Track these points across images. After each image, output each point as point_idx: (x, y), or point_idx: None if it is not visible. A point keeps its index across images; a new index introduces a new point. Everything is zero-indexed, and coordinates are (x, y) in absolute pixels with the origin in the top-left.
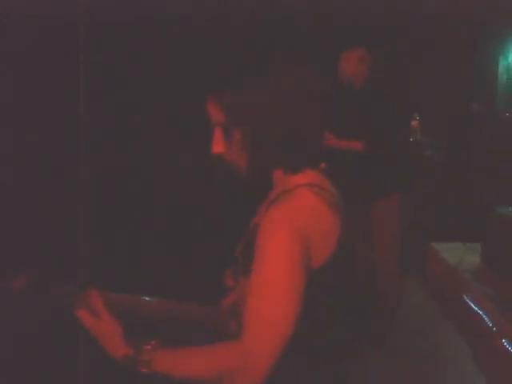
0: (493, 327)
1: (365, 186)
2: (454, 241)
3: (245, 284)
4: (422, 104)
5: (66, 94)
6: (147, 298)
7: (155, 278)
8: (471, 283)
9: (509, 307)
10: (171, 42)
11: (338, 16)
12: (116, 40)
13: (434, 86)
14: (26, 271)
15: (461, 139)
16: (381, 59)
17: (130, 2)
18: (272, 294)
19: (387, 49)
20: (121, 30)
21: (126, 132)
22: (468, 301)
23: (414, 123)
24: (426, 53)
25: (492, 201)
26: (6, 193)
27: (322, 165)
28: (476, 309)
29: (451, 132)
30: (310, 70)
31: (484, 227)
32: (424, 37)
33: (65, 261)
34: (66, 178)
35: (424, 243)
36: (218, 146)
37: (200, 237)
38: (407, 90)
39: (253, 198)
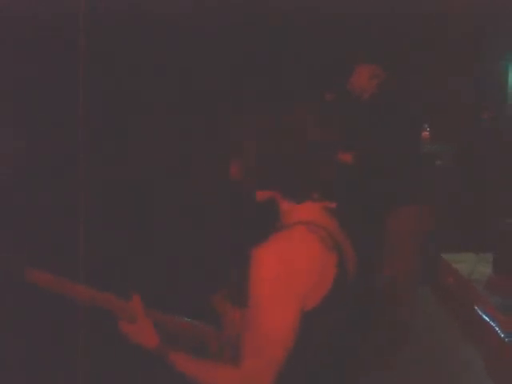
0: (505, 338)
1: (376, 198)
2: (465, 251)
3: (238, 315)
4: (432, 113)
5: (65, 94)
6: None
7: (153, 278)
8: (483, 294)
9: None
10: (171, 42)
11: (344, 21)
12: (116, 40)
13: (444, 95)
14: None
15: (472, 148)
16: (393, 73)
17: (130, 1)
18: (266, 330)
19: (399, 60)
20: (121, 30)
21: (126, 132)
22: (480, 311)
23: (425, 134)
24: (435, 60)
25: (504, 210)
26: (5, 193)
27: (332, 204)
28: (487, 319)
29: (462, 141)
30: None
31: (496, 237)
32: (432, 43)
33: (64, 261)
34: (65, 178)
35: (435, 254)
36: (232, 174)
37: (201, 240)
38: (419, 101)
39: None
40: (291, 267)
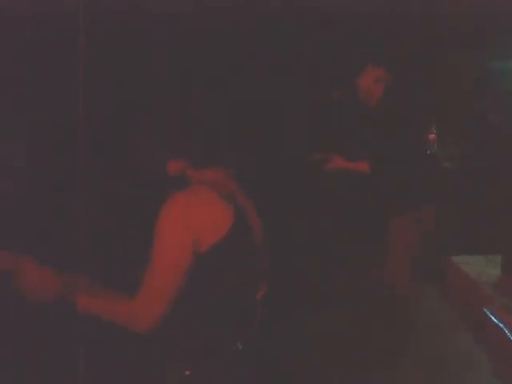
0: None
1: (382, 201)
2: (474, 253)
3: None
4: (438, 116)
5: (66, 93)
6: None
7: None
8: (492, 295)
9: None
10: (171, 40)
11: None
12: (116, 40)
13: (451, 97)
14: None
15: (479, 150)
16: (398, 77)
17: (130, 1)
18: (160, 266)
19: (404, 62)
20: (121, 30)
21: (125, 132)
22: (488, 313)
23: (431, 136)
24: (440, 62)
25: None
26: (5, 193)
27: (232, 172)
28: (496, 321)
29: (469, 143)
30: None
31: (505, 239)
32: (438, 45)
33: (64, 261)
34: (66, 178)
35: (444, 256)
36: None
37: None
38: (422, 105)
39: None
40: (186, 215)
